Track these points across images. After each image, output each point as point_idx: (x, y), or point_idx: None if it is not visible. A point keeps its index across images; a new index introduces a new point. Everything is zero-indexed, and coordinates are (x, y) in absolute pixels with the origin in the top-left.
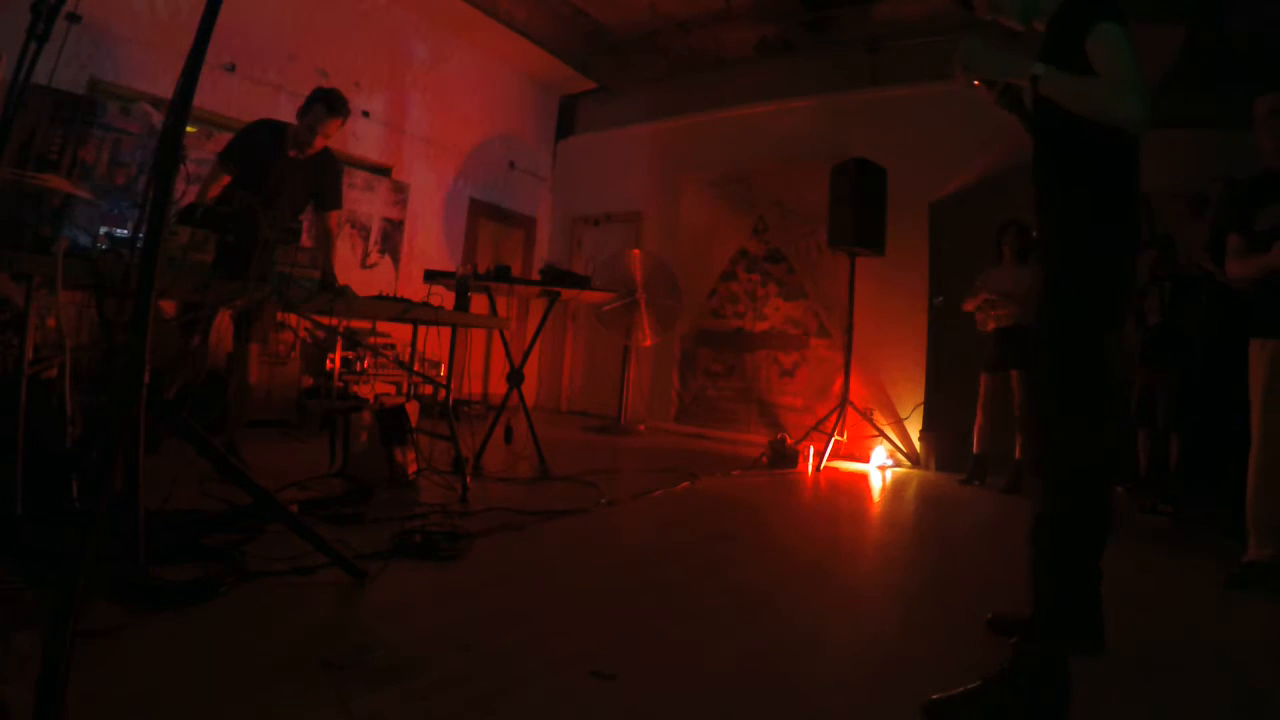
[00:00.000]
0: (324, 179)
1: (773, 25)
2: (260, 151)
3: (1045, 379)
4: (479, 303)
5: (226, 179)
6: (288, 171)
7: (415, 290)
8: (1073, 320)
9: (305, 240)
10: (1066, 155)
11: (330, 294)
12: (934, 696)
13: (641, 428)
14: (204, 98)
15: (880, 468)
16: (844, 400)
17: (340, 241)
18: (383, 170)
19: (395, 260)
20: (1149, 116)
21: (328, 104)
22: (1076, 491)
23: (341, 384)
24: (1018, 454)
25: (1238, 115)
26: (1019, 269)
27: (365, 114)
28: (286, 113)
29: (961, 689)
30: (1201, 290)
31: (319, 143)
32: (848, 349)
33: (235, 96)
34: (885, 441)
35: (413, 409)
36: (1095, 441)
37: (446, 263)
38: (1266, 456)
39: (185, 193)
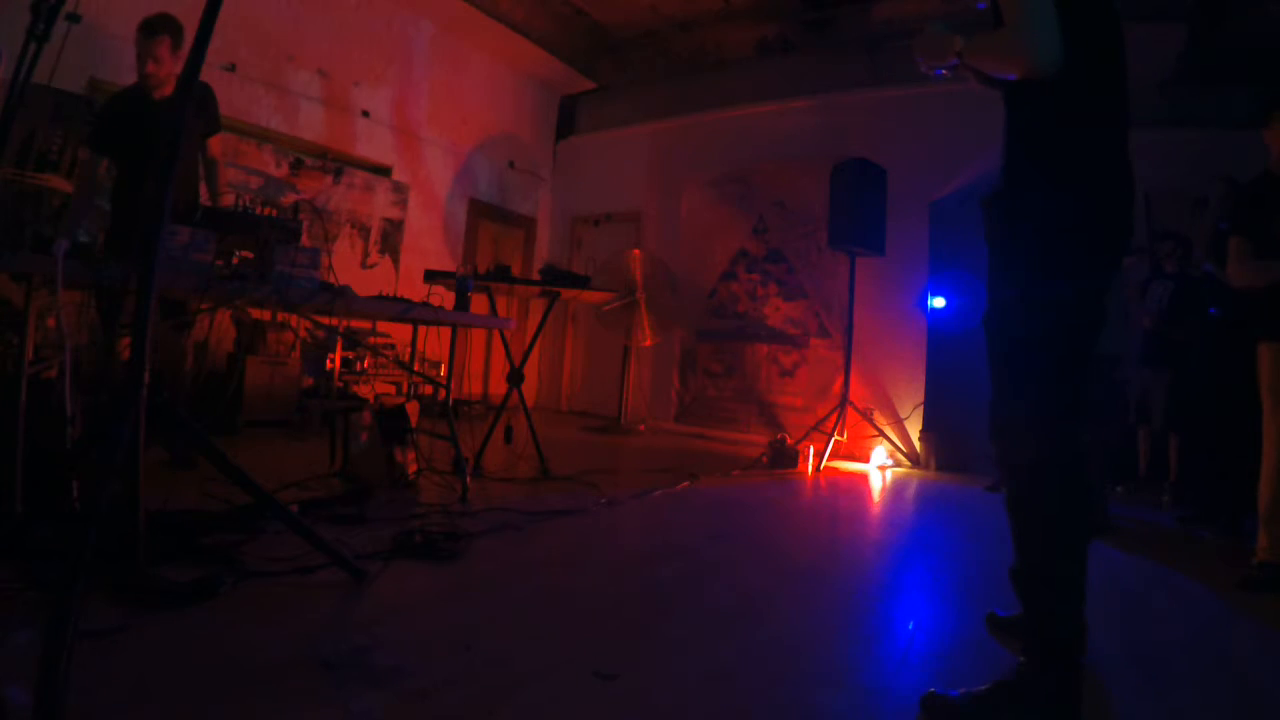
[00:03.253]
0: (200, 109)
1: (773, 25)
2: (129, 116)
3: (993, 359)
4: (479, 303)
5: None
6: (165, 114)
7: (415, 290)
8: (1009, 309)
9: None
10: (1016, 125)
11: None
12: (933, 690)
13: (641, 428)
14: None
15: (880, 468)
16: (844, 400)
17: (340, 241)
18: (383, 170)
19: (395, 260)
20: (1053, 52)
21: (143, 29)
22: (1033, 479)
23: (341, 384)
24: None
25: (1238, 115)
26: None
27: (365, 114)
28: (285, 112)
29: (963, 690)
30: (1203, 290)
31: (153, 69)
32: (848, 349)
33: (235, 96)
34: (885, 441)
35: (413, 409)
36: (1048, 429)
37: (446, 263)
38: (1278, 459)
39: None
